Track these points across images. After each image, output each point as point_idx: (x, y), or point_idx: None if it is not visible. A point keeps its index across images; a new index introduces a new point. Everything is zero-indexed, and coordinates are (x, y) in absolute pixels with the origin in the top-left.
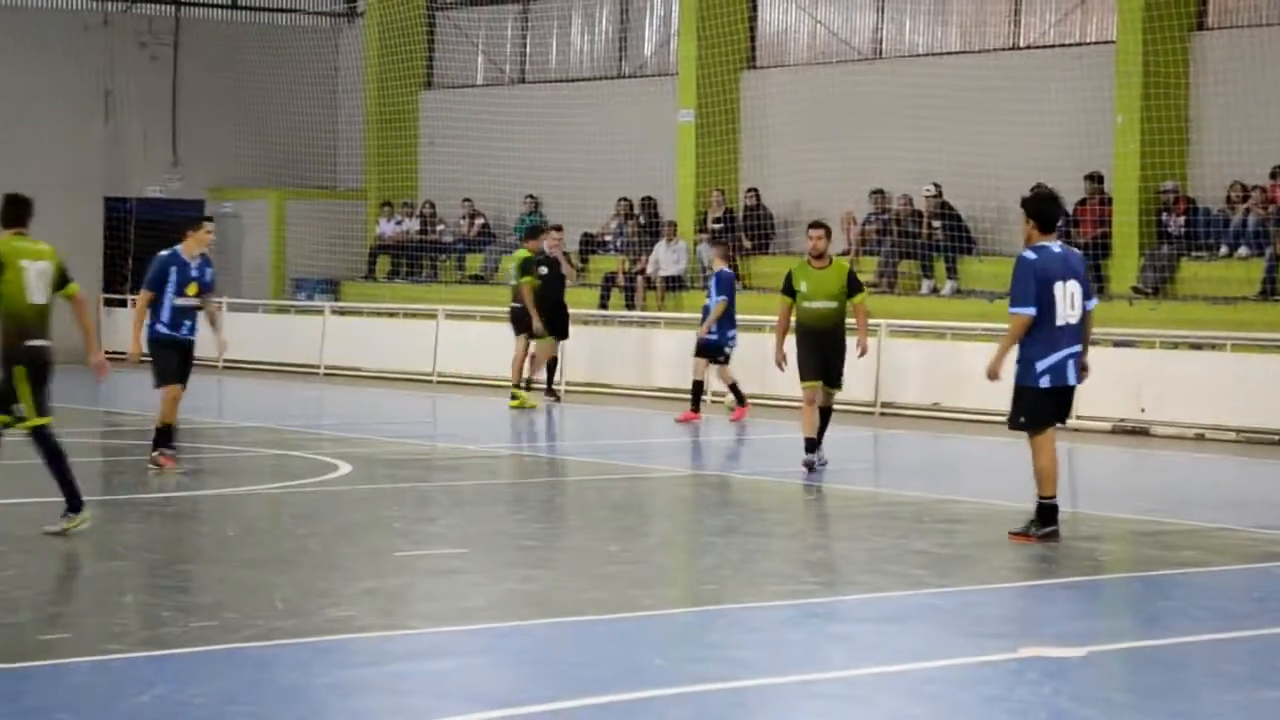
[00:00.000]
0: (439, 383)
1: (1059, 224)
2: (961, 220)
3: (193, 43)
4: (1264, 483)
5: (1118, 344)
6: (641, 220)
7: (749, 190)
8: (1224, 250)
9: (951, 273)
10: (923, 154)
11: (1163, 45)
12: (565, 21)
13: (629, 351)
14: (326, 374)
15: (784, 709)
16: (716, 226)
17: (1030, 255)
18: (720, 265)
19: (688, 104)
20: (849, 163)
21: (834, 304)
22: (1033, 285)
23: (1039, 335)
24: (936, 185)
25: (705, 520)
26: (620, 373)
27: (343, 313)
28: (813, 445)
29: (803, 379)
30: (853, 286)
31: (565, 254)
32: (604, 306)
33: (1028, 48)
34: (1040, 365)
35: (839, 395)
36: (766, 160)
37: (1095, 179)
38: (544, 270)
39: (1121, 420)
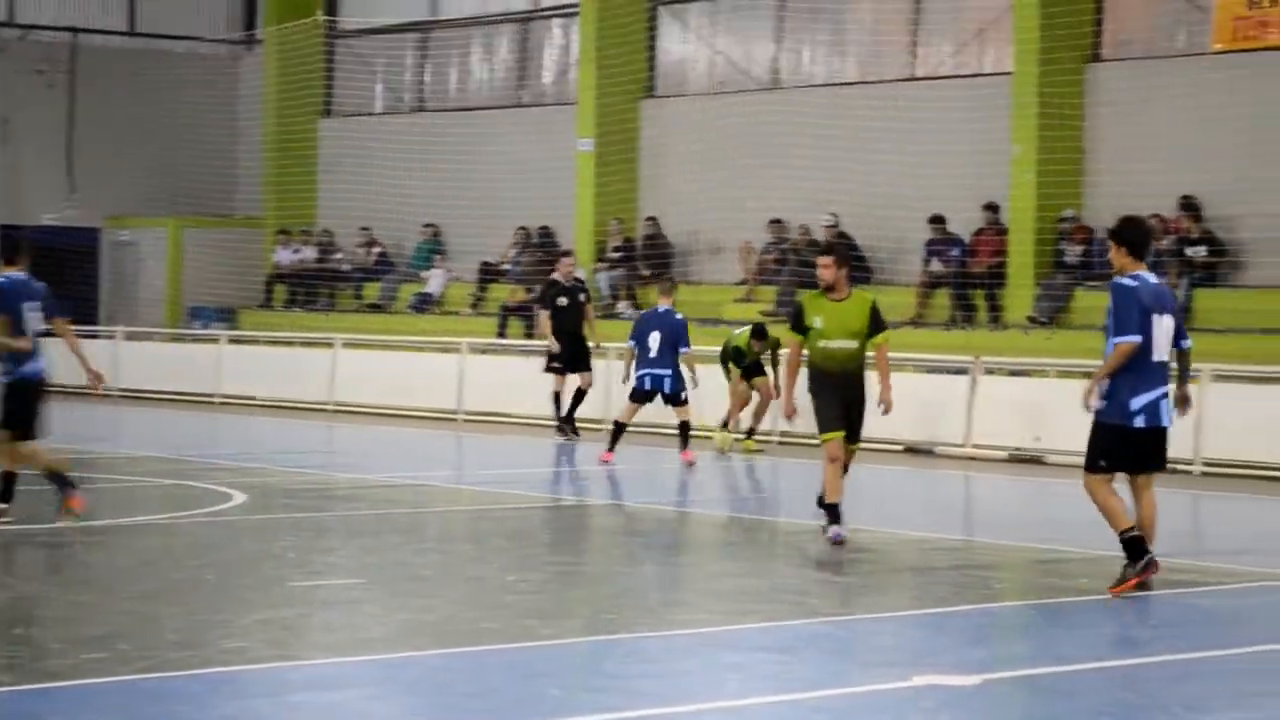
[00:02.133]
0: (336, 412)
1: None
2: (859, 249)
3: (90, 70)
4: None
5: (1013, 373)
6: (540, 249)
7: (648, 219)
8: None
9: None
10: (821, 184)
11: (1058, 77)
12: (464, 50)
13: (528, 380)
14: (223, 403)
15: None
16: (616, 255)
17: (1130, 282)
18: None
19: (586, 133)
20: (747, 192)
21: (854, 344)
22: (1136, 313)
23: (1135, 370)
24: (834, 215)
25: (605, 550)
26: (519, 401)
27: (239, 341)
28: (837, 513)
29: (823, 430)
30: (875, 325)
31: (580, 281)
32: (502, 335)
33: (925, 79)
34: (1135, 403)
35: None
36: (665, 189)
37: (992, 209)
38: (563, 301)
39: (1017, 449)
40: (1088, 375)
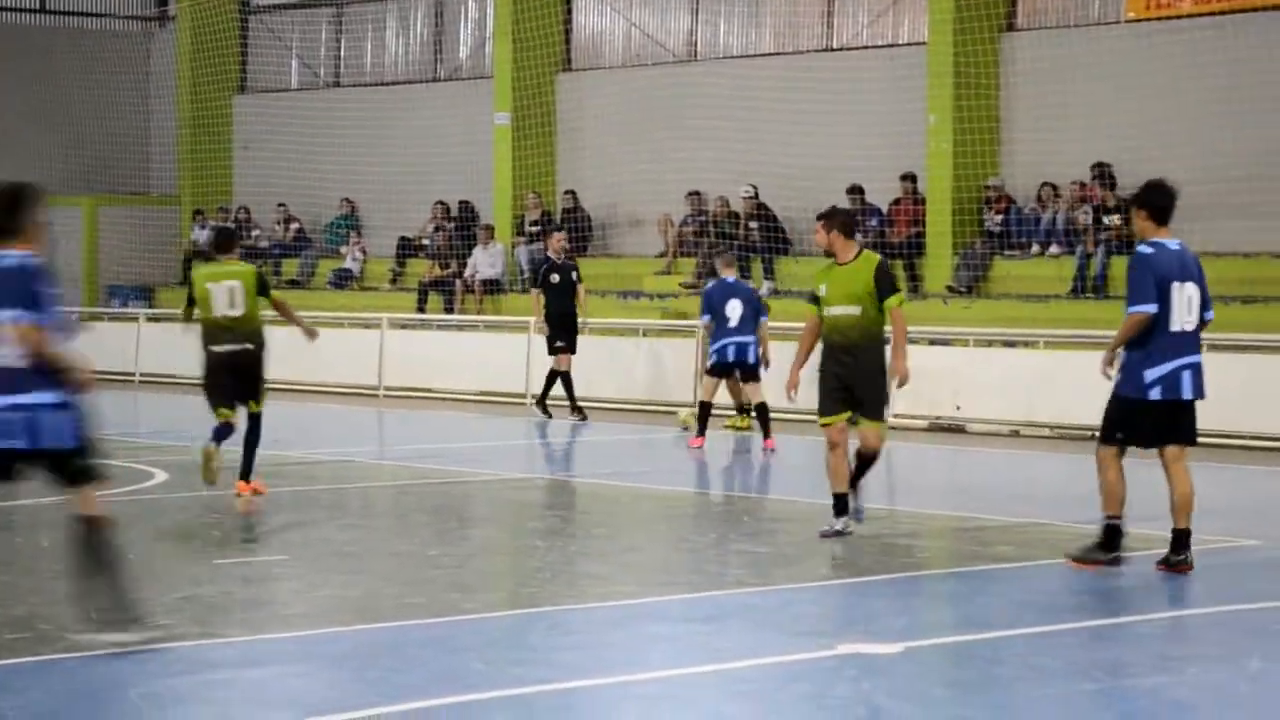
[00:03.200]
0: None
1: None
2: (778, 221)
3: (1, 48)
4: (1077, 478)
5: (932, 342)
6: (459, 224)
7: (566, 192)
8: (1035, 249)
9: (769, 273)
10: (739, 155)
11: (973, 46)
12: (380, 25)
13: (447, 356)
14: (142, 381)
15: (605, 710)
16: (534, 229)
17: (1146, 250)
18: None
19: (503, 107)
20: (666, 164)
21: (855, 309)
22: (1149, 282)
23: (1150, 341)
24: (753, 186)
25: (526, 524)
26: (439, 377)
27: (158, 319)
28: (843, 505)
29: (820, 414)
30: (882, 287)
31: (572, 258)
32: (421, 310)
33: (841, 49)
34: (1150, 375)
35: (664, 398)
36: (583, 162)
37: (909, 179)
38: (555, 278)
39: (937, 418)
40: (1008, 345)
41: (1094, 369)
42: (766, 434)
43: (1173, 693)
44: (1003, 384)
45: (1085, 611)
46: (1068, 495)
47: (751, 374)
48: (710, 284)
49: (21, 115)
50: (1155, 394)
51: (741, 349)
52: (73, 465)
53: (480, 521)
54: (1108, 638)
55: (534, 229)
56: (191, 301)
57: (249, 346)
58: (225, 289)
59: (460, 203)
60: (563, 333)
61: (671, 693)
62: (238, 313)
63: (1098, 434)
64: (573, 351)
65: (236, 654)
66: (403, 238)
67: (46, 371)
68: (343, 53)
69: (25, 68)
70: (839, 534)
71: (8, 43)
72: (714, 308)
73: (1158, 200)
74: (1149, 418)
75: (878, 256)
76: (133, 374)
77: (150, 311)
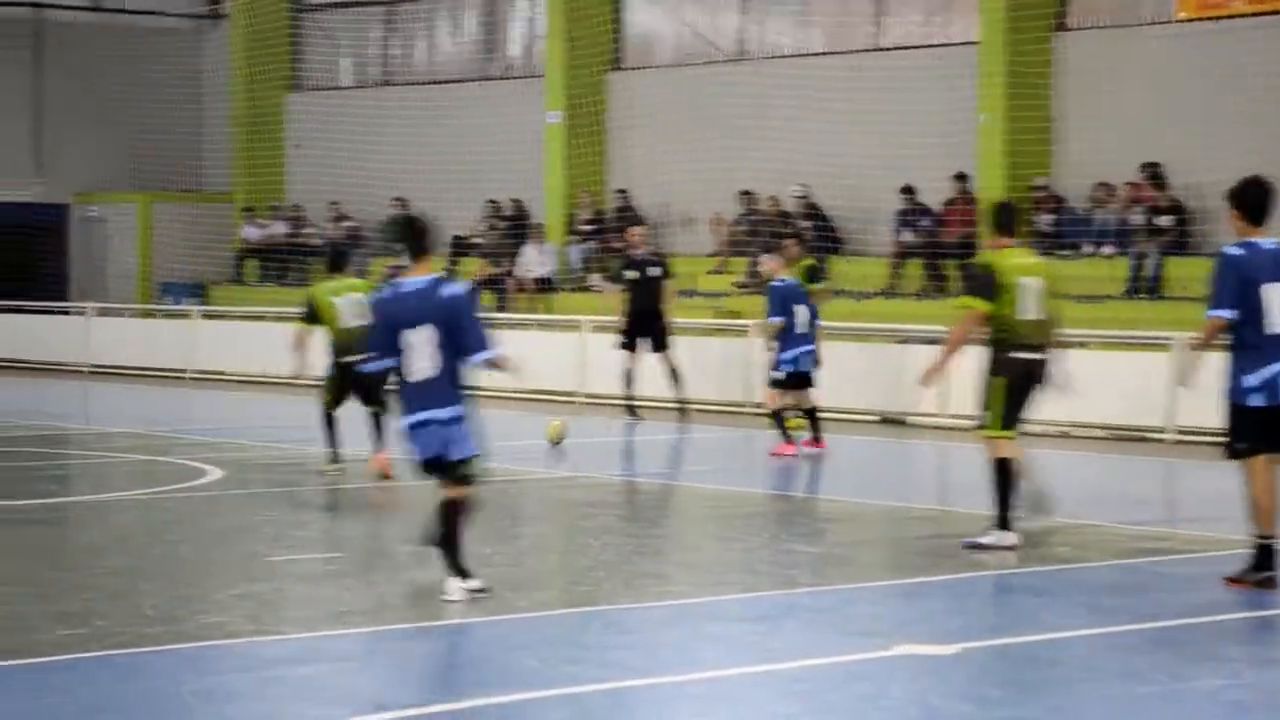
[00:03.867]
0: (309, 386)
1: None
2: (829, 221)
3: (54, 46)
4: (1130, 479)
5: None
6: (510, 222)
7: (618, 191)
8: (1087, 249)
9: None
10: (790, 154)
11: (1025, 46)
12: (431, 23)
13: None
14: (195, 378)
15: (660, 709)
16: (587, 228)
17: (1234, 251)
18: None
19: (555, 105)
20: (716, 163)
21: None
22: (1231, 285)
23: (1246, 346)
24: (804, 185)
25: (580, 522)
26: (490, 375)
27: (211, 316)
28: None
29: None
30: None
31: (656, 254)
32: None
33: (891, 49)
34: (1249, 381)
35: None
36: (634, 161)
37: (961, 178)
38: (631, 274)
39: None
40: (1062, 345)
41: (1146, 370)
42: (817, 436)
43: (1231, 695)
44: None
45: (1138, 612)
46: (1120, 496)
47: (810, 381)
48: (780, 282)
49: (76, 113)
50: (1257, 400)
51: (809, 358)
52: (465, 470)
53: (533, 520)
54: (1166, 640)
55: (586, 228)
56: (311, 317)
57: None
58: (352, 302)
59: (512, 201)
60: (634, 330)
61: (725, 692)
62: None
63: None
64: (663, 349)
65: (290, 651)
66: (455, 236)
67: (454, 386)
68: (395, 51)
69: (79, 66)
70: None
71: (62, 41)
72: (786, 310)
73: (1252, 198)
74: (1250, 425)
75: (982, 256)
76: (185, 371)
77: (204, 308)
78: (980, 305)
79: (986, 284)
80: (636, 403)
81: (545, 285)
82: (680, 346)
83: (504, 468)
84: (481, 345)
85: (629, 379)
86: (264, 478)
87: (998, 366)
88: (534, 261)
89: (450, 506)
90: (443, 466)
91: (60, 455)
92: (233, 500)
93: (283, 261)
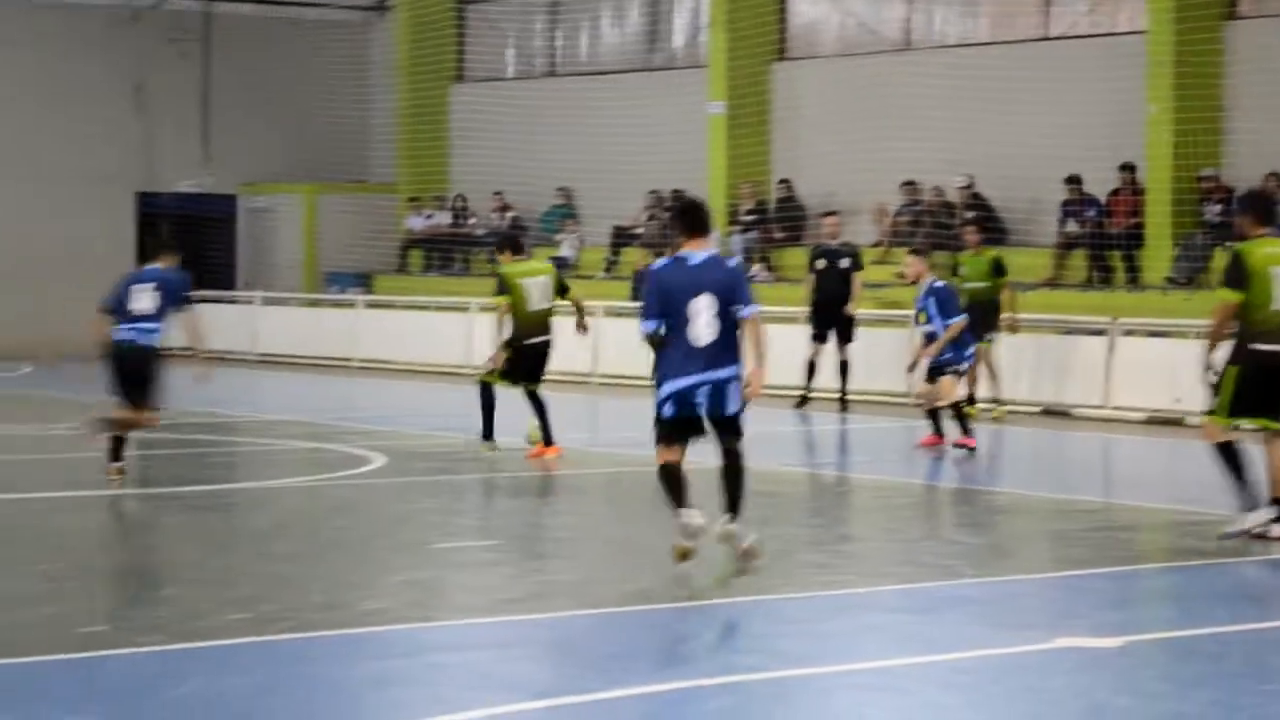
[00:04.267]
0: (471, 375)
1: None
2: (993, 211)
3: (222, 38)
4: None
5: (1151, 334)
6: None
7: (781, 182)
8: None
9: None
10: (954, 145)
11: (1194, 34)
12: (595, 14)
13: None
14: (359, 367)
15: (822, 699)
16: (749, 218)
17: None
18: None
19: (718, 96)
20: (880, 153)
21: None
22: None
23: None
24: (968, 175)
25: (744, 512)
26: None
27: (376, 306)
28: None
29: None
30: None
31: (849, 245)
32: (635, 298)
33: (1059, 38)
34: None
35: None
36: (798, 151)
37: (1128, 169)
38: (820, 263)
39: (1156, 411)
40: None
41: None
42: (965, 430)
43: None
44: None
45: None
46: None
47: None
48: (939, 283)
49: (243, 105)
50: None
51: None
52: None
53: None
54: None
55: (748, 218)
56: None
57: (549, 338)
58: (540, 284)
59: (672, 191)
60: (819, 321)
61: (887, 683)
62: (547, 305)
63: None
64: (846, 342)
65: (452, 637)
66: (616, 226)
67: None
68: (558, 42)
69: (246, 58)
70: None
71: (227, 33)
72: (952, 310)
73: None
74: None
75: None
76: (350, 360)
77: (368, 298)
78: (1232, 296)
79: (1238, 274)
80: (811, 394)
81: None
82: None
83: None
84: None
85: (811, 369)
86: (426, 465)
87: (1235, 355)
88: None
89: (735, 456)
90: (720, 422)
91: (228, 442)
92: (395, 488)
93: (446, 252)
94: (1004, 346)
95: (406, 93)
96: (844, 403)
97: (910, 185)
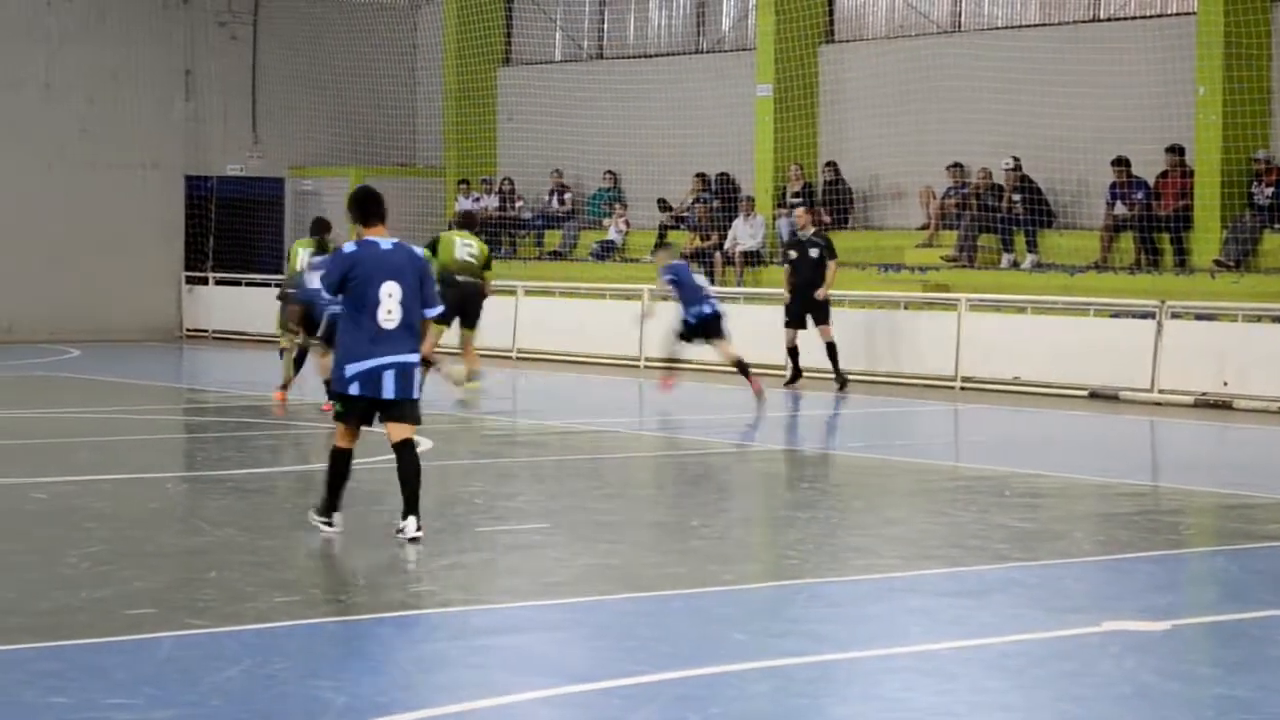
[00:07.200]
0: (518, 359)
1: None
2: (1041, 193)
3: (272, 21)
4: None
5: (1199, 317)
6: (719, 195)
7: (827, 164)
8: None
9: (1032, 246)
10: (1001, 127)
11: (1244, 16)
12: None
13: None
14: None
15: (865, 683)
16: (796, 201)
17: None
18: None
19: (765, 79)
20: (927, 136)
21: None
22: None
23: None
24: (1016, 158)
25: (784, 495)
26: (698, 349)
27: None
28: None
29: None
30: None
31: (822, 234)
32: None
33: (1107, 20)
34: None
35: (923, 371)
36: (845, 134)
37: (1176, 151)
38: (793, 254)
39: (1204, 394)
40: (1277, 320)
41: None
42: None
43: None
44: (1272, 360)
45: None
46: None
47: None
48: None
49: (292, 86)
50: None
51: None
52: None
53: (739, 492)
54: None
55: (795, 200)
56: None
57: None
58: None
59: (719, 175)
60: (792, 308)
61: (932, 667)
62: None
63: None
64: (820, 322)
65: (499, 620)
66: (664, 208)
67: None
68: (606, 25)
69: (294, 41)
70: None
71: (277, 16)
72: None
73: None
74: None
75: None
76: None
77: None
78: None
79: None
80: (849, 376)
81: (753, 259)
82: (883, 320)
83: (709, 440)
84: (434, 303)
85: (794, 353)
86: (472, 449)
87: None
88: (743, 234)
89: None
90: (403, 405)
91: (274, 425)
92: (442, 470)
93: (493, 235)
94: (1049, 327)
95: (453, 75)
96: (841, 381)
97: (957, 168)
